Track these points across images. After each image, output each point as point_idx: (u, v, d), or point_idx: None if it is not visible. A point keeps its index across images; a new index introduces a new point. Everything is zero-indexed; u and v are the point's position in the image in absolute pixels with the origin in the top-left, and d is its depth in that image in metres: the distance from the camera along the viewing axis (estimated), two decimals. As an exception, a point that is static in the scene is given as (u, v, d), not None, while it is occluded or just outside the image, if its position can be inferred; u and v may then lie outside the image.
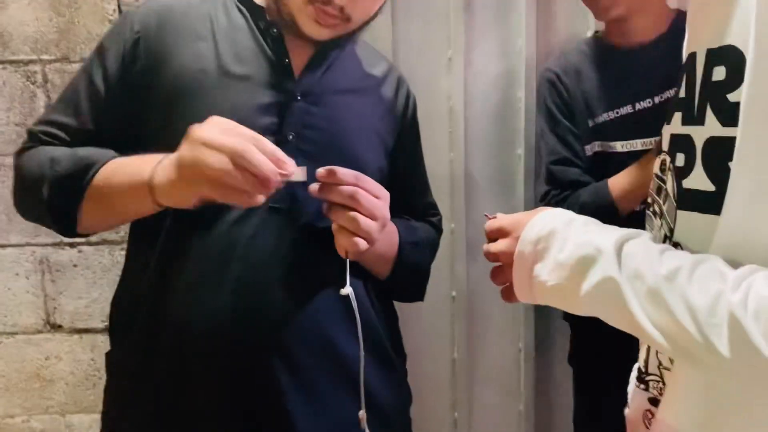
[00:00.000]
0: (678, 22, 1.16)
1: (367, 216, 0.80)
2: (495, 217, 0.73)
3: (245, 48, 0.88)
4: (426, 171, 1.10)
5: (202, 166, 0.68)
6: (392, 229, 0.95)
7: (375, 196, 0.81)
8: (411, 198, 1.06)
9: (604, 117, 1.22)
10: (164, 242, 0.85)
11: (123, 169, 0.80)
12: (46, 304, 1.56)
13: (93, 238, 1.52)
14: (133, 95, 0.85)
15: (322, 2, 0.83)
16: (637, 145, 1.20)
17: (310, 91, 0.89)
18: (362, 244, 0.81)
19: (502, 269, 0.69)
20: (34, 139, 0.88)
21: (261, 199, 0.71)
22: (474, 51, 1.44)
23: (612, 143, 1.22)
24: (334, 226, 0.82)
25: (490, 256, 0.71)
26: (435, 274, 1.09)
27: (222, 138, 0.69)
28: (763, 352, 0.43)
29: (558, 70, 1.29)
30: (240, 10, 0.91)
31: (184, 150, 0.71)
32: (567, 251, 0.59)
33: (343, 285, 0.82)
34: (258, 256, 0.84)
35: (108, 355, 0.93)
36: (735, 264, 0.49)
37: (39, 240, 1.53)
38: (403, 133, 1.02)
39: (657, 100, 1.18)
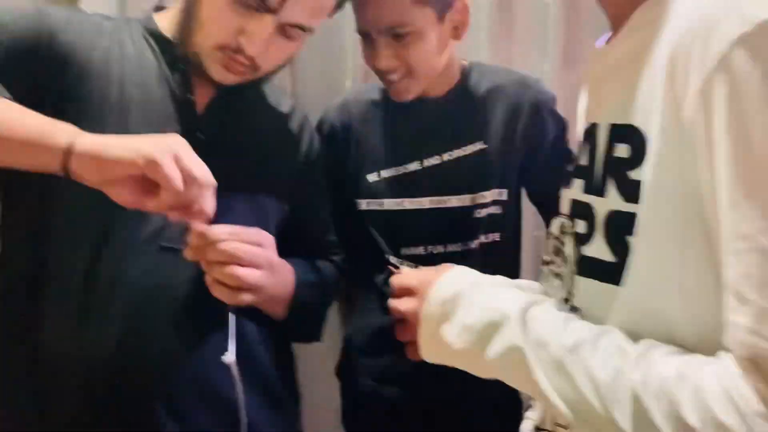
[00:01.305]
0: (466, 76, 1.13)
1: (247, 266, 0.79)
2: (401, 272, 0.73)
3: (150, 80, 0.85)
4: (329, 210, 1.10)
5: (160, 169, 0.66)
6: (286, 270, 0.93)
7: (257, 244, 0.80)
8: (313, 237, 1.06)
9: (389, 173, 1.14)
10: (41, 265, 0.80)
11: (31, 114, 0.72)
12: None
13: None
14: (28, 86, 0.79)
15: (233, 50, 0.82)
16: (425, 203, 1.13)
17: (211, 129, 0.87)
18: (246, 298, 0.80)
19: (407, 327, 0.69)
20: None
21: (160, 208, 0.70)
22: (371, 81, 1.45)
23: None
24: (208, 280, 0.79)
25: (396, 313, 0.71)
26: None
27: (193, 165, 0.68)
28: (663, 431, 0.45)
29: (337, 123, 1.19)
30: (147, 42, 0.88)
31: (147, 141, 0.68)
32: (473, 315, 0.60)
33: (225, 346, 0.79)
34: (145, 296, 0.81)
35: None
36: (634, 336, 0.51)
37: None
38: (305, 170, 1.02)
39: (446, 157, 1.12)
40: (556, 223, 0.65)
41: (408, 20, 0.98)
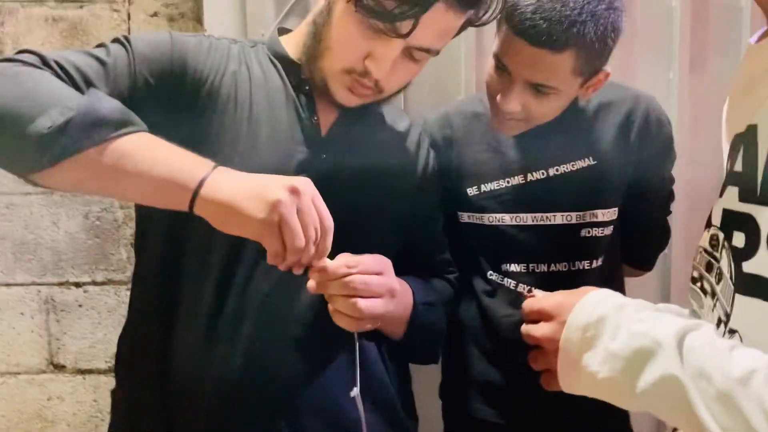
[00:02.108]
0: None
1: (368, 296, 0.79)
2: (533, 295, 0.70)
3: (277, 101, 0.88)
4: (442, 228, 1.09)
5: (283, 220, 0.69)
6: (405, 290, 0.93)
7: (376, 273, 0.80)
8: (428, 255, 1.05)
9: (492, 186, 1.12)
10: (171, 293, 0.84)
11: (165, 149, 0.73)
12: (50, 344, 1.54)
13: (98, 278, 1.51)
14: (164, 113, 0.82)
15: (359, 74, 0.83)
16: (527, 219, 1.09)
17: (335, 151, 0.89)
18: (368, 326, 0.80)
19: (543, 354, 0.66)
20: (44, 63, 0.76)
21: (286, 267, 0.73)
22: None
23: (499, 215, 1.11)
24: (330, 309, 0.80)
25: (530, 340, 0.67)
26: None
27: (311, 213, 0.70)
28: None
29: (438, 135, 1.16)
30: (273, 64, 0.91)
31: (277, 188, 0.69)
32: (620, 341, 0.56)
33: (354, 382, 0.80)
34: (272, 316, 0.83)
35: (113, 392, 0.92)
36: None
37: (45, 279, 1.51)
38: (422, 188, 1.01)
39: (552, 172, 1.09)
40: (705, 236, 0.60)
41: (558, 84, 0.95)
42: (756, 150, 0.52)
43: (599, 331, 0.58)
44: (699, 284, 0.61)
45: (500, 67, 0.97)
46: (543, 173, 1.08)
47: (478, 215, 1.11)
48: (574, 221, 1.07)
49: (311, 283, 0.78)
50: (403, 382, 1.00)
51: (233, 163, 0.80)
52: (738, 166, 0.55)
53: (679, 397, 0.51)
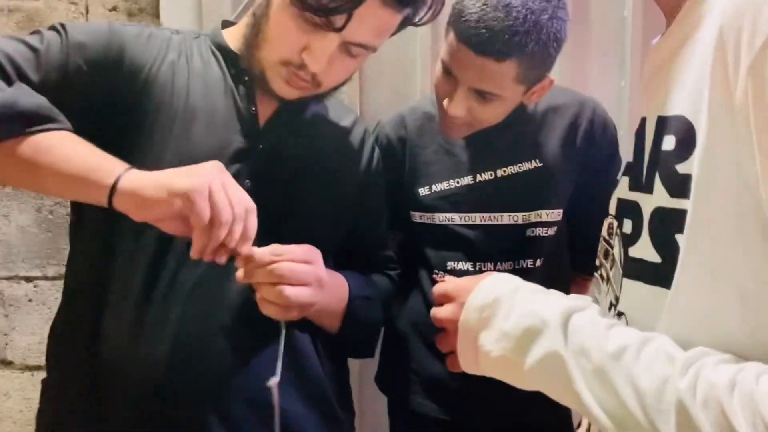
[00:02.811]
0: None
1: (295, 284, 0.79)
2: (443, 280, 0.71)
3: (215, 91, 0.88)
4: (386, 224, 1.09)
5: (194, 208, 0.69)
6: (340, 283, 0.93)
7: (303, 262, 0.80)
8: (370, 251, 1.05)
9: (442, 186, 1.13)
10: (102, 278, 0.83)
11: (84, 148, 0.75)
12: (-2, 339, 1.52)
13: (50, 273, 1.49)
14: (100, 101, 0.82)
15: (295, 66, 0.83)
16: (476, 219, 1.11)
17: (273, 141, 0.89)
18: (295, 315, 0.80)
19: (447, 336, 0.67)
20: None
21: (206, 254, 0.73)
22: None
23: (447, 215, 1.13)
24: (257, 297, 0.80)
25: (437, 322, 0.69)
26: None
27: (221, 198, 0.71)
28: None
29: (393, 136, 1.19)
30: (214, 55, 0.91)
31: (184, 178, 0.71)
32: (512, 321, 0.57)
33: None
34: (201, 303, 0.82)
35: (44, 382, 0.91)
36: (684, 343, 0.47)
37: (-7, 274, 1.49)
38: (365, 184, 1.01)
39: (500, 173, 1.10)
40: (605, 225, 0.61)
41: (501, 91, 0.97)
42: (644, 141, 0.53)
43: (494, 312, 0.60)
44: (598, 272, 0.62)
45: (447, 72, 0.99)
46: (491, 174, 1.10)
47: (429, 215, 1.13)
48: (520, 221, 1.09)
49: (239, 273, 0.78)
50: (338, 376, 0.99)
51: (168, 151, 0.82)
52: (630, 157, 0.56)
53: (562, 374, 0.52)
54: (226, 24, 0.97)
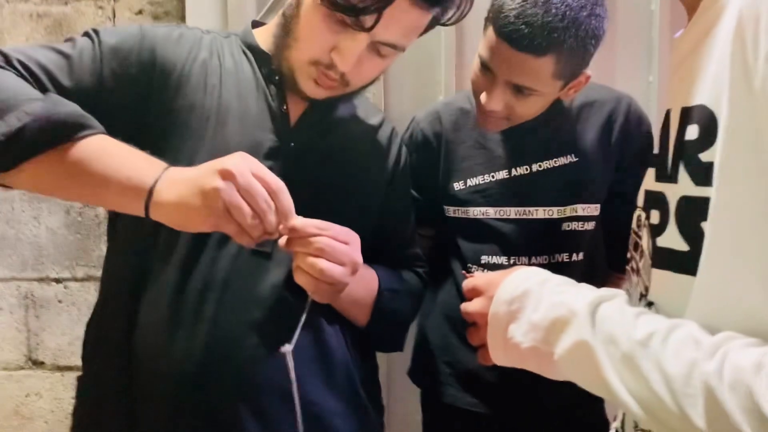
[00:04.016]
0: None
1: (331, 260, 0.79)
2: (473, 275, 0.72)
3: (247, 90, 0.89)
4: (414, 222, 1.09)
5: (228, 204, 0.69)
6: (370, 275, 0.94)
7: (343, 242, 0.80)
8: (398, 248, 1.05)
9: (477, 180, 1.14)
10: (139, 274, 0.84)
11: (119, 154, 0.75)
12: (29, 340, 1.54)
13: (79, 274, 1.51)
14: (132, 103, 0.83)
15: (325, 66, 0.83)
16: (510, 213, 1.12)
17: (304, 140, 0.90)
18: (323, 289, 0.80)
19: (478, 330, 0.68)
20: (7, 62, 0.78)
21: (252, 242, 0.73)
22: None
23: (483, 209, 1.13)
24: (293, 266, 0.80)
25: (467, 317, 0.69)
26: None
27: (253, 185, 0.70)
28: (739, 425, 0.41)
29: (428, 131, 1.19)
30: (245, 54, 0.92)
31: (211, 177, 0.70)
32: (541, 312, 0.58)
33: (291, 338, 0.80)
34: (234, 299, 0.83)
35: (79, 379, 0.92)
36: (711, 329, 0.47)
37: (24, 275, 1.51)
38: (393, 182, 1.01)
39: (535, 168, 1.11)
40: (634, 217, 0.60)
41: (538, 86, 0.97)
42: (668, 132, 0.53)
43: (523, 304, 0.60)
44: (630, 264, 0.61)
45: (484, 67, 0.99)
46: (526, 169, 1.11)
47: (463, 209, 1.13)
48: (555, 216, 1.09)
49: (282, 240, 0.78)
50: (367, 370, 0.99)
51: (202, 150, 0.82)
52: (656, 149, 0.56)
53: (591, 362, 0.52)
54: (255, 24, 0.98)
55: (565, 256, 1.10)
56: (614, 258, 1.17)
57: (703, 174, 0.48)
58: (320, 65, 0.83)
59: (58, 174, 0.74)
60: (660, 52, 1.37)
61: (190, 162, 0.76)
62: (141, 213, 0.73)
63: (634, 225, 0.60)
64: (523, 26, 0.91)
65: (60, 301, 1.53)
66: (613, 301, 0.55)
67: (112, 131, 0.78)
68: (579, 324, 0.54)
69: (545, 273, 0.64)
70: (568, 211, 1.09)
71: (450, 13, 0.86)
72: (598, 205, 1.11)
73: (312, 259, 0.78)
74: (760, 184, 0.44)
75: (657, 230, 0.53)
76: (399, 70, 1.40)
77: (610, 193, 1.12)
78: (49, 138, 0.72)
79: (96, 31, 0.85)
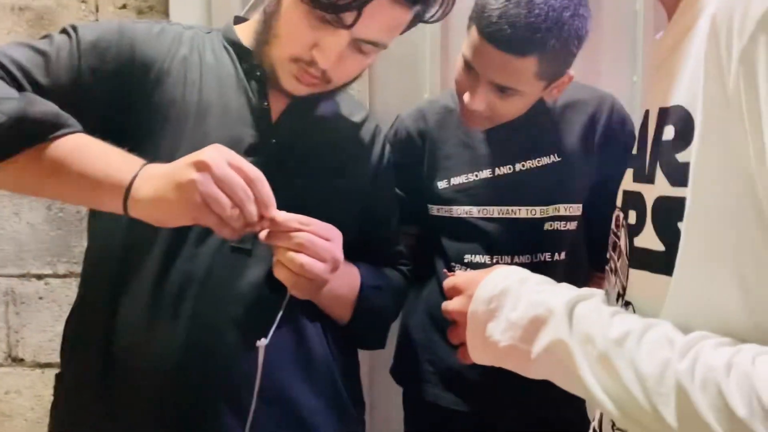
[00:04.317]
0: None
1: (312, 256, 0.79)
2: (453, 274, 0.72)
3: (227, 85, 0.88)
4: (398, 219, 1.09)
5: (205, 196, 0.68)
6: (352, 272, 0.94)
7: (325, 238, 0.80)
8: (382, 245, 1.05)
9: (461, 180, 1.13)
10: (119, 270, 0.84)
11: (96, 152, 0.74)
12: (9, 337, 1.52)
13: (60, 270, 1.50)
14: (110, 98, 0.83)
15: (306, 63, 0.83)
16: (494, 212, 1.11)
17: (285, 136, 0.89)
18: (302, 285, 0.80)
19: (457, 328, 0.68)
20: None
21: (234, 233, 0.72)
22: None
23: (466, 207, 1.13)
24: (273, 261, 0.80)
25: (447, 315, 0.70)
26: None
27: (229, 175, 0.69)
28: (710, 424, 0.42)
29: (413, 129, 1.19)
30: (226, 50, 0.91)
31: (186, 170, 0.69)
32: (519, 310, 0.58)
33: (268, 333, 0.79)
34: (214, 295, 0.82)
35: (57, 376, 0.92)
36: (686, 329, 0.47)
37: (5, 271, 1.50)
38: (376, 179, 1.01)
39: (518, 167, 1.11)
40: (613, 218, 0.60)
41: (521, 87, 0.97)
42: (646, 132, 0.54)
43: (501, 303, 0.60)
44: (608, 264, 0.62)
45: (468, 66, 0.99)
46: (510, 168, 1.11)
47: (446, 207, 1.14)
48: (537, 215, 1.09)
49: (262, 233, 0.78)
50: (349, 368, 0.99)
51: (182, 147, 0.81)
52: (634, 149, 0.56)
53: (568, 361, 0.53)
54: (238, 20, 0.98)
55: (547, 256, 1.11)
56: (595, 258, 1.18)
57: (679, 174, 0.48)
58: (301, 62, 0.83)
59: (36, 173, 0.74)
60: (644, 52, 1.37)
61: (170, 158, 0.76)
62: (120, 211, 0.73)
63: (612, 225, 0.61)
64: (506, 26, 0.90)
65: (41, 298, 1.52)
66: (591, 300, 0.55)
67: (91, 128, 0.77)
68: (556, 323, 0.54)
69: (525, 272, 0.64)
70: (551, 210, 1.09)
71: (432, 11, 0.86)
72: (580, 205, 1.12)
73: (292, 254, 0.78)
74: (733, 184, 0.44)
75: (634, 230, 0.53)
76: (384, 67, 1.40)
77: (592, 192, 1.12)
78: (24, 137, 0.72)
79: (74, 27, 0.84)
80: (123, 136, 0.79)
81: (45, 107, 0.74)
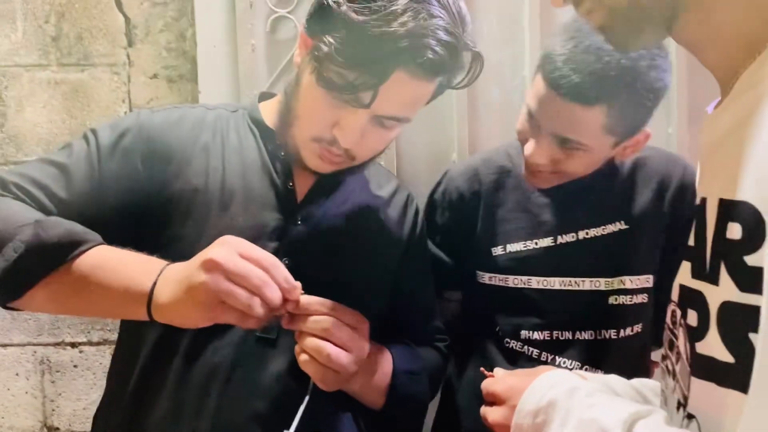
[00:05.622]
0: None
1: (339, 346, 0.76)
2: (492, 375, 0.67)
3: (252, 169, 0.87)
4: (434, 293, 1.05)
5: (219, 294, 0.67)
6: (384, 356, 0.90)
7: (351, 326, 0.78)
8: (416, 321, 1.01)
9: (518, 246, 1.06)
10: (144, 364, 0.82)
11: (115, 264, 0.75)
12: (45, 406, 1.52)
13: (94, 338, 1.50)
14: (133, 198, 0.83)
15: (328, 142, 0.82)
16: (555, 283, 1.03)
17: (311, 217, 0.88)
18: (329, 377, 0.77)
19: None
20: (4, 187, 0.81)
21: (259, 322, 0.70)
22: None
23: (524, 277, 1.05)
24: (297, 350, 0.78)
25: (487, 424, 0.65)
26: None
27: (240, 266, 0.67)
28: None
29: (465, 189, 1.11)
30: (251, 130, 0.91)
31: (196, 270, 0.68)
32: (569, 429, 0.53)
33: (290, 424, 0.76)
34: (239, 388, 0.80)
35: None
36: None
37: (41, 340, 1.50)
38: (408, 253, 0.98)
39: (582, 235, 1.03)
40: (668, 312, 0.56)
41: (586, 140, 0.90)
42: (705, 224, 0.49)
43: (549, 417, 0.56)
44: (665, 363, 0.57)
45: (530, 115, 0.94)
46: (573, 236, 1.03)
47: (501, 276, 1.06)
48: (602, 287, 1.01)
49: (284, 319, 0.76)
50: None
51: (205, 235, 0.80)
52: (692, 240, 0.52)
53: None
54: (264, 96, 0.98)
55: (612, 333, 1.02)
56: (658, 334, 1.13)
57: (749, 279, 0.43)
58: (323, 141, 0.82)
59: (61, 294, 0.75)
60: (678, 103, 1.34)
61: (191, 248, 0.75)
62: (146, 318, 0.72)
63: (668, 321, 0.56)
64: (570, 72, 0.85)
65: (75, 366, 1.52)
66: (650, 418, 0.50)
67: (116, 230, 0.78)
68: None
69: (573, 379, 0.59)
70: (616, 283, 1.01)
71: (459, 78, 0.83)
72: (650, 276, 1.03)
73: (318, 342, 0.75)
74: None
75: (696, 334, 0.48)
76: (410, 128, 1.38)
77: (662, 263, 1.04)
78: (46, 263, 0.73)
79: (94, 132, 0.85)
80: (147, 231, 0.79)
81: (59, 229, 0.75)
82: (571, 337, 1.02)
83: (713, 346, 0.46)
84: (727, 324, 0.45)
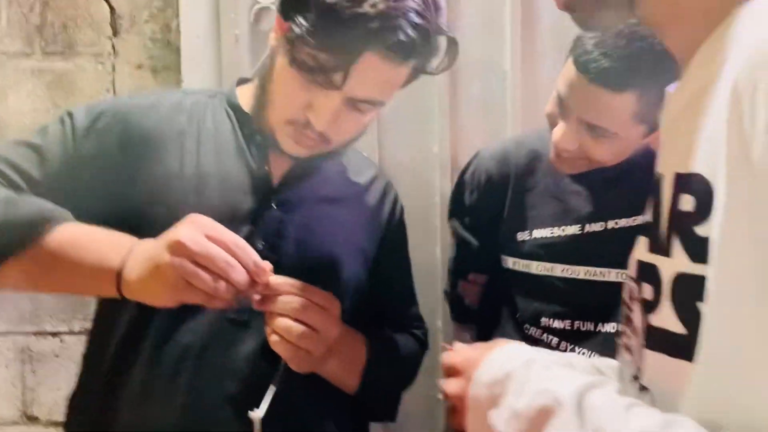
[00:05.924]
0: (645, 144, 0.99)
1: (309, 326, 0.77)
2: (452, 349, 0.67)
3: (227, 152, 0.87)
4: (413, 281, 1.05)
5: (184, 276, 0.67)
6: (358, 341, 0.91)
7: (321, 307, 0.78)
8: (394, 308, 1.02)
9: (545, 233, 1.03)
10: (117, 347, 0.83)
11: (86, 241, 0.76)
12: (24, 395, 1.51)
13: (76, 327, 1.49)
14: (108, 180, 0.83)
15: (301, 125, 0.82)
16: (579, 272, 1.01)
17: (286, 201, 0.88)
18: (299, 357, 0.78)
19: (456, 411, 0.63)
20: None
21: (227, 303, 0.71)
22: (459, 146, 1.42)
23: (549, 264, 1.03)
24: (267, 330, 0.78)
25: (445, 397, 0.65)
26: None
27: (206, 248, 0.68)
28: None
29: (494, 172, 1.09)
30: (228, 114, 0.91)
31: (162, 251, 0.69)
32: (525, 400, 0.53)
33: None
34: (210, 369, 0.81)
35: None
36: (711, 425, 0.42)
37: (21, 328, 1.50)
38: (386, 240, 0.99)
39: (610, 225, 1.00)
40: (625, 288, 0.57)
41: (615, 127, 0.88)
42: (660, 200, 0.50)
43: (505, 388, 0.56)
44: (622, 339, 0.58)
45: (560, 100, 0.92)
46: (602, 225, 1.01)
47: (525, 262, 1.04)
48: None
49: (255, 297, 0.76)
50: None
51: (181, 218, 0.80)
52: (649, 216, 0.52)
53: None
54: (242, 81, 0.98)
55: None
56: None
57: (699, 249, 0.44)
58: (297, 124, 0.82)
59: (35, 270, 0.76)
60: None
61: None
62: (116, 295, 0.73)
63: (625, 297, 0.57)
64: (600, 57, 0.82)
65: (57, 356, 1.51)
66: (603, 389, 0.51)
67: (91, 210, 0.78)
68: (564, 415, 0.49)
69: (530, 351, 0.60)
70: None
71: (434, 62, 0.83)
72: None
73: (287, 322, 0.76)
74: (760, 265, 0.40)
75: (650, 307, 0.49)
76: (392, 121, 1.39)
77: None
78: (16, 240, 0.74)
79: (70, 114, 0.85)
80: (123, 213, 0.80)
81: (29, 206, 0.76)
82: (593, 329, 1.01)
83: (666, 318, 0.47)
84: (679, 295, 0.46)
